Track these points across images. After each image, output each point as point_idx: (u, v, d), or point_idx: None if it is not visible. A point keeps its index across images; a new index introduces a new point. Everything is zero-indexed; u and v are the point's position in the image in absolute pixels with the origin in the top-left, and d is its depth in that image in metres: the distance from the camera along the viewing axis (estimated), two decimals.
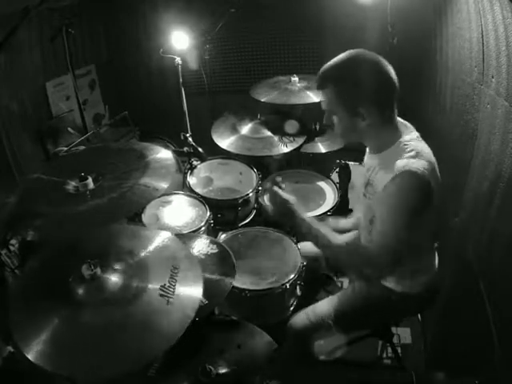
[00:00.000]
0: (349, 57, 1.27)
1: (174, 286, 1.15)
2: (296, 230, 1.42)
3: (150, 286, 1.15)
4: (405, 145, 1.27)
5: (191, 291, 1.15)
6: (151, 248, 1.29)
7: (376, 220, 1.28)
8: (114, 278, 1.17)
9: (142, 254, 1.26)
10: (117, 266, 1.20)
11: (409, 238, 1.23)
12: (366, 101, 1.24)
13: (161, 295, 1.12)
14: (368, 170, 1.42)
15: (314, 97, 2.33)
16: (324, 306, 1.54)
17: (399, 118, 1.36)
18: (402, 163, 1.21)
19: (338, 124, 1.33)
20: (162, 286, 1.14)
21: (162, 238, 1.33)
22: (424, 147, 1.29)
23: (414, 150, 1.25)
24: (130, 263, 1.23)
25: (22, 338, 1.00)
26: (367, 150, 1.48)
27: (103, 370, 0.98)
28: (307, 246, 1.85)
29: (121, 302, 1.11)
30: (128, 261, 1.23)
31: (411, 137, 1.30)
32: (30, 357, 0.96)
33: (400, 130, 1.33)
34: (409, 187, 1.20)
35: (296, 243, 1.82)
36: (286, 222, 1.55)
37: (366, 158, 1.50)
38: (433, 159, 1.29)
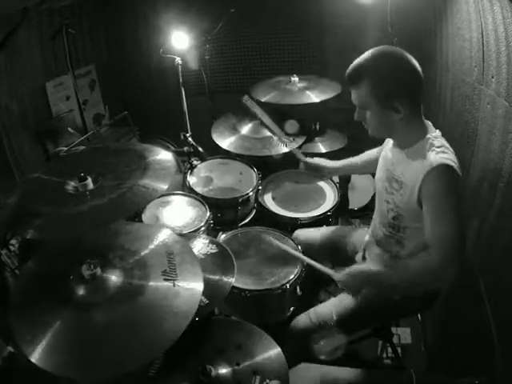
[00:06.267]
0: (378, 52, 1.28)
1: (175, 268, 1.18)
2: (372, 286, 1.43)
3: (151, 275, 1.17)
4: (433, 140, 1.29)
5: (192, 269, 1.20)
6: (146, 242, 1.31)
7: (426, 224, 1.25)
8: (114, 276, 1.17)
9: (139, 249, 1.27)
10: (116, 264, 1.21)
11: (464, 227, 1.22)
12: (400, 94, 1.25)
13: (165, 280, 1.15)
14: (392, 165, 1.42)
15: (313, 97, 2.33)
16: (326, 308, 1.55)
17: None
18: (435, 157, 1.23)
19: (371, 119, 1.32)
20: (163, 272, 1.17)
21: (155, 232, 1.36)
22: (447, 144, 1.32)
23: (443, 146, 1.28)
24: (128, 259, 1.23)
25: (23, 339, 1.00)
26: (390, 144, 1.47)
27: (118, 366, 0.99)
28: (302, 234, 1.86)
29: (126, 298, 1.12)
30: (126, 258, 1.24)
31: (436, 134, 1.33)
32: (31, 358, 0.96)
33: (426, 125, 1.35)
34: (449, 179, 1.21)
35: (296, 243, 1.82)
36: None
37: (388, 152, 1.47)
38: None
